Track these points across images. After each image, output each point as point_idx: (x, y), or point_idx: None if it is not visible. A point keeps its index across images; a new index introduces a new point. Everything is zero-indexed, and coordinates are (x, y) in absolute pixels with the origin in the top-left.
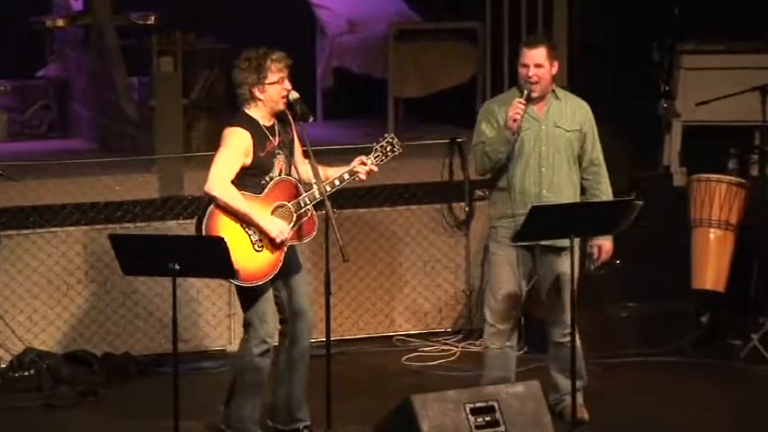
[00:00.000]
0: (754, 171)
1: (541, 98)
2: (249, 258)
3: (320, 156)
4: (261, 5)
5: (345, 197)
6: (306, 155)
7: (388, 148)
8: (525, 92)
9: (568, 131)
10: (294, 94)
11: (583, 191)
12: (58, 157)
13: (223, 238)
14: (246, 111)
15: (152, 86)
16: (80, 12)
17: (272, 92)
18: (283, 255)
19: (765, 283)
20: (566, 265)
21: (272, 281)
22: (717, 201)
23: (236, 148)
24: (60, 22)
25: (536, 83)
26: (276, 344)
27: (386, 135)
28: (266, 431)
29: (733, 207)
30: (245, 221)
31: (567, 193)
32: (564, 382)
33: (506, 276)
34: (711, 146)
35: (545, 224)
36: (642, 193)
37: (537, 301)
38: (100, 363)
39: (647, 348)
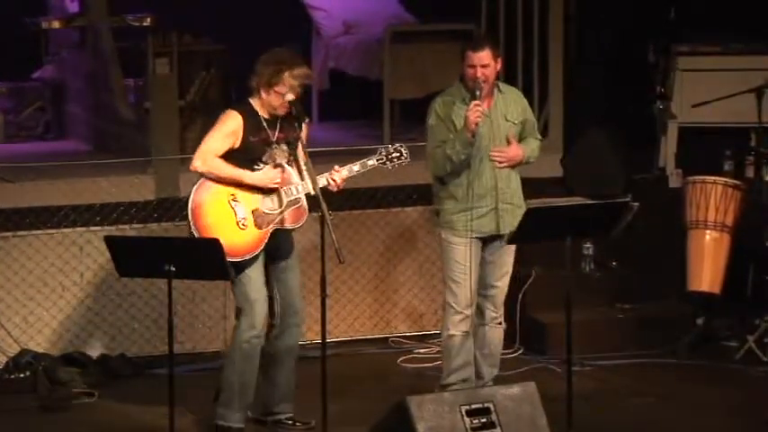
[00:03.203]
0: (750, 172)
1: (488, 94)
2: (234, 234)
3: (316, 157)
4: (256, 7)
5: (342, 198)
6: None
7: (394, 155)
8: (477, 92)
9: (516, 123)
10: (290, 96)
11: None
12: (53, 158)
13: (218, 240)
14: (251, 100)
15: (148, 88)
16: (76, 13)
17: (274, 99)
18: (268, 234)
19: (761, 285)
20: (510, 254)
21: (266, 278)
22: (713, 202)
23: (224, 128)
24: (56, 24)
25: (485, 81)
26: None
27: (397, 144)
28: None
29: (729, 209)
30: (239, 185)
31: (516, 182)
32: (487, 371)
33: (465, 262)
34: (707, 147)
35: (540, 226)
36: (638, 195)
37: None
38: (96, 364)
39: (643, 350)
